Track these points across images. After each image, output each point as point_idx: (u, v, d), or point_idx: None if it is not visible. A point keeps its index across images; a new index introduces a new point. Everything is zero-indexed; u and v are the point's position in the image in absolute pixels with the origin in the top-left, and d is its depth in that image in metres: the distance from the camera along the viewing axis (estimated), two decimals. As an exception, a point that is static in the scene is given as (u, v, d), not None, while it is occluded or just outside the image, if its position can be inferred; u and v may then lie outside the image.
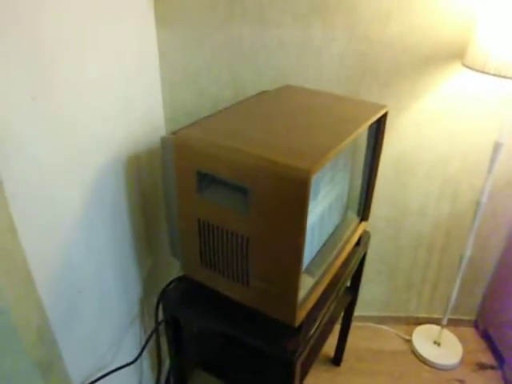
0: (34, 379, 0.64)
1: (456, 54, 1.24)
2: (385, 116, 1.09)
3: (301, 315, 0.92)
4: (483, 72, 1.05)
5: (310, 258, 1.01)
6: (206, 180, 0.87)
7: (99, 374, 0.88)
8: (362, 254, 1.30)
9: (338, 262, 1.10)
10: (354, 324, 1.77)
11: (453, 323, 1.75)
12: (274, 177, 0.76)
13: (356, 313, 1.76)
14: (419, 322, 1.75)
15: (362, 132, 1.06)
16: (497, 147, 1.22)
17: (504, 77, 1.01)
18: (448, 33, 1.21)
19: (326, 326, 1.33)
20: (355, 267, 1.24)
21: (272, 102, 1.09)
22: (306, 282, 0.96)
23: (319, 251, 1.05)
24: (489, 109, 1.32)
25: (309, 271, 0.98)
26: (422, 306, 1.74)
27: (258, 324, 0.97)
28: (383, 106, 1.07)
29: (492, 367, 1.61)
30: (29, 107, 0.62)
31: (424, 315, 1.75)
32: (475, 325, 1.76)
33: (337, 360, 1.60)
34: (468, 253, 1.43)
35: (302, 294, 0.93)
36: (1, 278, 0.55)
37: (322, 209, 0.97)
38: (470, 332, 1.75)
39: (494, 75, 1.03)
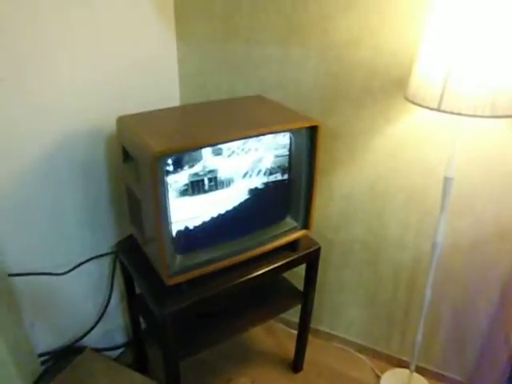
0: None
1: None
2: (316, 130, 1.17)
3: (176, 279, 1.10)
4: (412, 102, 1.04)
5: (205, 239, 1.16)
6: (128, 156, 1.14)
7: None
8: (303, 262, 1.36)
9: (250, 254, 1.22)
10: (334, 344, 1.76)
11: (446, 380, 1.58)
12: (145, 154, 0.98)
13: (336, 332, 1.75)
14: (402, 365, 1.63)
15: (263, 135, 1.10)
16: (446, 182, 1.13)
17: (425, 107, 0.99)
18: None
19: (237, 312, 1.41)
20: (281, 270, 1.31)
21: (225, 104, 1.29)
22: (192, 255, 1.13)
23: (221, 236, 1.18)
24: (446, 141, 1.23)
25: (195, 245, 1.14)
26: (406, 349, 1.62)
27: (159, 280, 1.18)
28: (313, 121, 1.16)
29: None
30: None
31: (406, 359, 1.62)
32: (464, 389, 1.55)
33: (295, 367, 1.65)
34: (428, 295, 1.32)
35: (183, 262, 1.11)
36: None
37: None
38: (457, 395, 1.55)
39: (417, 105, 1.01)
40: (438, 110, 0.93)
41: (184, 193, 1.05)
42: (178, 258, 1.11)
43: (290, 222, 1.31)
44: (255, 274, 1.25)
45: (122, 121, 1.14)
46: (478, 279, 1.37)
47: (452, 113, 0.91)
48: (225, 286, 1.20)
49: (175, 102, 1.60)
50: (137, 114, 1.18)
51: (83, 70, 1.21)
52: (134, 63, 1.36)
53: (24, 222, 1.17)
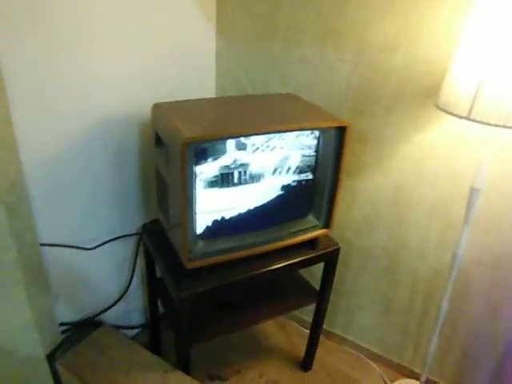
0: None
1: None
2: (344, 130, 1.18)
3: (195, 263, 1.14)
4: (442, 110, 1.04)
5: (226, 229, 1.19)
6: (160, 140, 1.19)
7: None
8: (321, 261, 1.38)
9: (270, 248, 1.25)
10: (345, 348, 1.76)
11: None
12: (176, 140, 1.02)
13: (349, 336, 1.75)
14: (412, 376, 1.62)
15: (290, 131, 1.14)
16: (472, 193, 1.12)
17: (454, 114, 0.99)
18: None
19: (253, 302, 1.45)
20: (299, 266, 1.33)
21: (257, 100, 1.32)
22: (213, 242, 1.17)
23: (242, 228, 1.21)
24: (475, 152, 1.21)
25: (217, 233, 1.17)
26: (418, 360, 1.60)
27: (180, 264, 1.22)
28: (342, 121, 1.17)
29: None
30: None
31: (418, 370, 1.60)
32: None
33: (304, 365, 1.66)
34: (445, 307, 1.30)
35: (204, 247, 1.15)
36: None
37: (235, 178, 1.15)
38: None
39: (447, 113, 1.01)
40: (468, 118, 0.93)
41: (213, 184, 1.09)
42: (200, 243, 1.14)
43: (311, 219, 1.32)
44: (273, 267, 1.27)
45: (157, 107, 1.19)
46: (501, 297, 1.34)
47: (481, 122, 0.91)
48: (242, 276, 1.23)
49: (210, 94, 1.64)
50: (172, 102, 1.22)
51: (122, 58, 1.26)
52: (172, 54, 1.42)
53: (59, 198, 1.23)
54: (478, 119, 0.91)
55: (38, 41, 1.04)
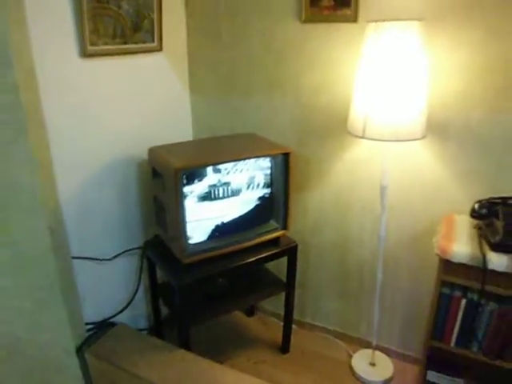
0: (45, 235, 1.47)
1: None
2: (288, 155, 1.65)
3: (190, 258, 1.55)
4: (350, 133, 1.52)
5: (212, 233, 1.62)
6: (156, 173, 1.63)
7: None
8: (283, 255, 1.80)
9: (243, 245, 1.67)
10: (316, 333, 2.14)
11: (406, 358, 1.94)
12: (169, 170, 1.46)
13: (317, 322, 2.14)
14: (369, 346, 2.00)
15: (251, 158, 1.63)
16: (381, 189, 1.59)
17: (355, 136, 1.47)
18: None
19: (234, 292, 1.86)
20: (266, 259, 1.74)
21: (224, 139, 1.79)
22: (203, 244, 1.58)
23: (223, 231, 1.64)
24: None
25: (210, 237, 1.60)
26: (372, 332, 1.99)
27: (177, 263, 1.62)
28: (286, 149, 1.64)
29: (413, 399, 1.76)
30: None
31: (372, 341, 2.00)
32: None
33: (283, 349, 2.03)
34: (379, 277, 1.73)
35: (194, 248, 1.56)
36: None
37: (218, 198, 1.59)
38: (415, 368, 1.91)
39: (352, 135, 1.49)
40: (363, 137, 1.41)
41: (203, 198, 1.54)
42: (192, 244, 1.56)
43: (273, 223, 1.76)
44: (247, 260, 1.68)
45: (152, 150, 1.63)
46: (420, 267, 1.78)
47: (371, 139, 1.39)
48: (224, 269, 1.64)
49: (188, 138, 2.11)
50: (162, 145, 1.67)
51: (125, 118, 1.73)
52: (159, 111, 1.89)
53: (82, 221, 1.64)
54: (369, 137, 1.39)
55: (71, 107, 1.50)
